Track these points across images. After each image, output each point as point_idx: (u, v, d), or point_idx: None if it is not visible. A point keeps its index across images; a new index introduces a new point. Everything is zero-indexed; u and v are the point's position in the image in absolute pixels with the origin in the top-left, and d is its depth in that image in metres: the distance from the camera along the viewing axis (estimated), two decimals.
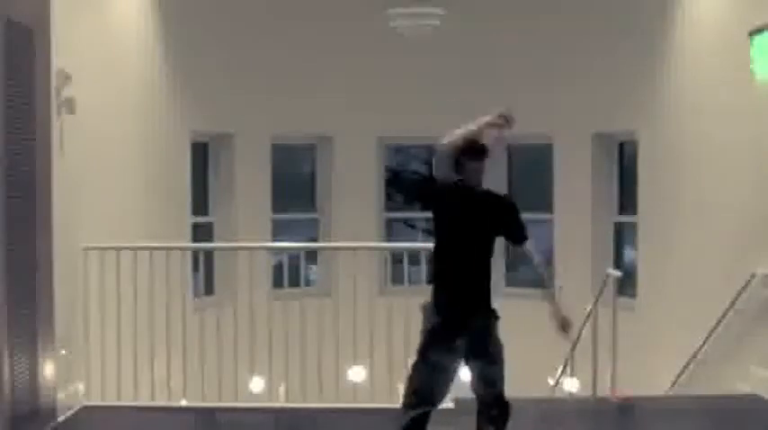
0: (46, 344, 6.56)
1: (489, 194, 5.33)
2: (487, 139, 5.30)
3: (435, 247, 5.32)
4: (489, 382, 5.21)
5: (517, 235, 5.35)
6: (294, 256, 11.40)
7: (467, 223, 5.22)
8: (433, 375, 5.20)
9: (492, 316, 5.26)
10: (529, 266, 5.60)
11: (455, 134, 5.22)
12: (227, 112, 10.98)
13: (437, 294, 5.27)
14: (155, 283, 7.58)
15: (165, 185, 9.65)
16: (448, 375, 5.23)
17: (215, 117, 10.83)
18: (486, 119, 5.26)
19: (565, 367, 9.75)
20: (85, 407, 7.23)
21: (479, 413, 5.25)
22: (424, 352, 5.22)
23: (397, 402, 8.70)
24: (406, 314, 7.48)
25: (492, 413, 5.21)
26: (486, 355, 5.20)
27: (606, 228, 11.54)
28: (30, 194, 6.40)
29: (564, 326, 5.30)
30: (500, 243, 5.40)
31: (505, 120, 5.26)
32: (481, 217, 5.24)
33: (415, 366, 5.25)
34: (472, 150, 5.19)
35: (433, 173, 5.30)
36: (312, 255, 12.08)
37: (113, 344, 7.40)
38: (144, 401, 7.57)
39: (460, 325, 5.17)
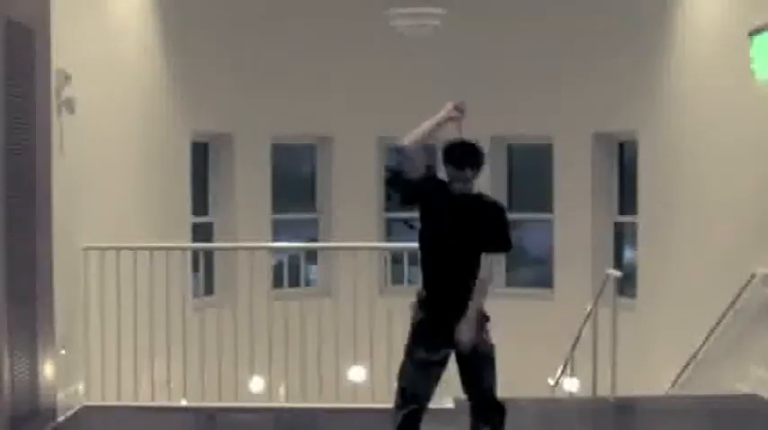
0: (46, 344, 6.56)
1: (478, 199, 5.20)
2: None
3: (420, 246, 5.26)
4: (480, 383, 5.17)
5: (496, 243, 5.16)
6: (294, 256, 11.41)
7: (451, 227, 5.13)
8: (417, 373, 5.16)
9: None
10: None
11: (415, 133, 5.22)
12: (227, 112, 10.97)
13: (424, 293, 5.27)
14: (155, 283, 7.57)
15: (165, 185, 9.65)
16: (431, 372, 5.16)
17: (215, 117, 10.83)
18: (442, 114, 5.33)
19: (565, 367, 9.76)
20: (85, 407, 7.23)
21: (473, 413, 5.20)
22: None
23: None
24: (406, 314, 7.48)
25: (487, 414, 5.15)
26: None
27: (606, 228, 11.54)
28: (30, 194, 6.39)
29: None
30: None
31: (460, 111, 5.30)
32: (465, 222, 5.11)
33: (402, 365, 5.22)
34: (453, 157, 5.11)
35: (405, 175, 5.25)
36: (312, 255, 12.08)
37: (113, 344, 7.40)
38: (144, 401, 7.57)
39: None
